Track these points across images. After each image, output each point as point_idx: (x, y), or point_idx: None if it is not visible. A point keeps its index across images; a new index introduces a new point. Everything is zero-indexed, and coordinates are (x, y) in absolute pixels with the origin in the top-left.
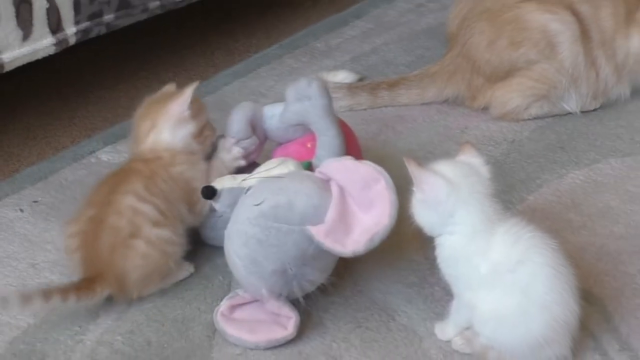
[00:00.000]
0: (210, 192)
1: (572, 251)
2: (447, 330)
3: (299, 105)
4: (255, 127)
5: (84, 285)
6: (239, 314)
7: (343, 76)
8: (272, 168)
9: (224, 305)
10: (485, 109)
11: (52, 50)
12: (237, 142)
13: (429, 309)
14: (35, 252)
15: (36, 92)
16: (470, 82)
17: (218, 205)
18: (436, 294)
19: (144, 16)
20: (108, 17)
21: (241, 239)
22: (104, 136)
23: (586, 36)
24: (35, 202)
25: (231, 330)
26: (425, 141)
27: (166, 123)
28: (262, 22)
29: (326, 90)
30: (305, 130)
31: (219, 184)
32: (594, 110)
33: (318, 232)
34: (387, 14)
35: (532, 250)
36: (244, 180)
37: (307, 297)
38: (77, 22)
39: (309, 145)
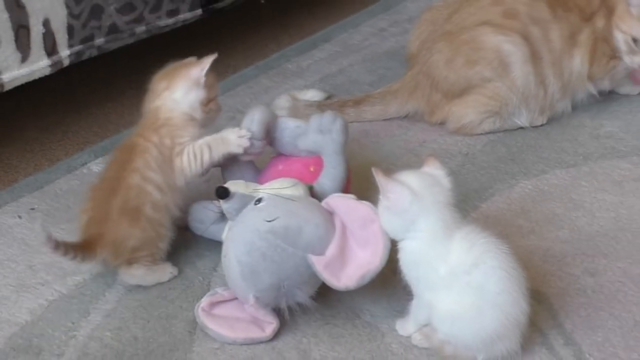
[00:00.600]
0: (224, 193)
1: (522, 254)
2: (407, 326)
3: (319, 137)
4: (267, 132)
5: (87, 246)
6: (218, 310)
7: (312, 94)
8: (285, 188)
9: (204, 301)
10: (442, 123)
11: (47, 71)
12: (250, 139)
13: (391, 307)
14: (32, 255)
15: (33, 109)
16: (429, 98)
17: (227, 205)
18: (397, 293)
19: (131, 40)
20: (99, 40)
21: (246, 247)
22: (94, 149)
23: (536, 57)
24: (32, 209)
25: (212, 325)
26: (387, 154)
27: (182, 84)
28: (238, 45)
29: (346, 129)
30: (310, 152)
31: (233, 187)
32: (542, 125)
33: (318, 263)
34: (353, 38)
35: (486, 254)
36: (255, 190)
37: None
38: (70, 46)
39: (311, 169)
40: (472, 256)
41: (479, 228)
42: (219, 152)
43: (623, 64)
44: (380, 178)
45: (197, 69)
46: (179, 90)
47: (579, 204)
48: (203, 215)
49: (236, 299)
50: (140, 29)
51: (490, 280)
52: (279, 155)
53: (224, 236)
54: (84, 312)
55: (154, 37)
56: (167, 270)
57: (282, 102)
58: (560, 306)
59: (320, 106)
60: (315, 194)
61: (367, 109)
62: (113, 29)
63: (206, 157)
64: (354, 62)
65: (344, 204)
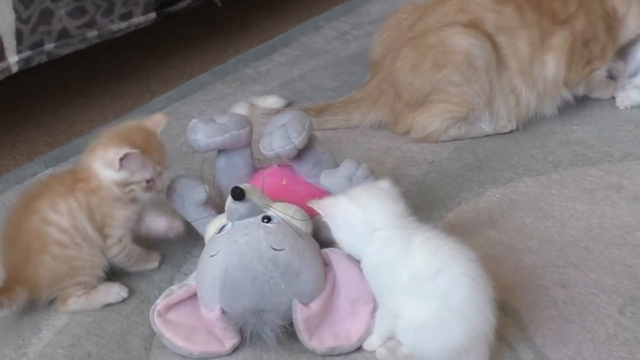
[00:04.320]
0: (240, 195)
1: (490, 265)
2: (372, 341)
3: (346, 184)
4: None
5: (7, 288)
6: (174, 314)
7: (272, 101)
8: (297, 219)
9: (160, 303)
10: (406, 133)
11: None
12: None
13: None
14: None
15: None
16: (393, 107)
17: (235, 206)
18: None
19: (82, 45)
20: (49, 46)
21: (242, 262)
22: (45, 159)
23: (504, 65)
24: None
25: (168, 333)
26: None
27: (99, 158)
28: (195, 49)
29: None
30: (323, 187)
31: (249, 192)
32: (510, 132)
33: (301, 312)
34: (314, 42)
35: (451, 260)
36: (268, 205)
37: None
38: (19, 52)
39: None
40: (436, 261)
41: (444, 233)
42: (136, 267)
43: (602, 70)
44: (313, 204)
45: (112, 151)
46: (97, 162)
47: (549, 213)
48: (186, 191)
49: (192, 298)
50: (92, 33)
51: (455, 288)
52: (287, 167)
53: (211, 230)
54: (35, 328)
55: (106, 42)
56: (112, 291)
57: (240, 110)
58: (529, 319)
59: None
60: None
61: (329, 118)
62: (63, 34)
63: (132, 262)
64: (316, 67)
65: (349, 270)
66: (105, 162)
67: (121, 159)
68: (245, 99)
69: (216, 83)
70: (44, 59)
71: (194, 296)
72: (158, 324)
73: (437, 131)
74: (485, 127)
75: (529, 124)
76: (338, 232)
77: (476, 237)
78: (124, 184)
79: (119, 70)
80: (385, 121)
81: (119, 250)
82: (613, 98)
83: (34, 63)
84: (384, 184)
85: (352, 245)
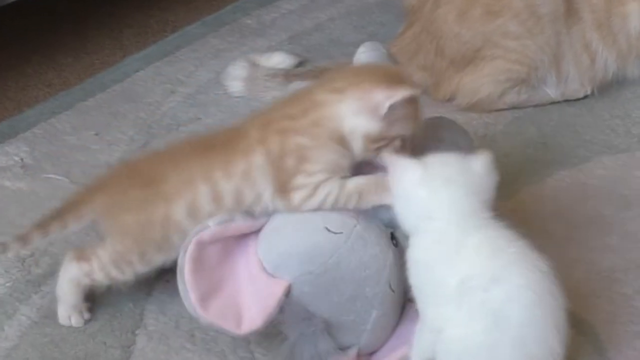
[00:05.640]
0: None
1: (557, 269)
2: None
3: None
4: None
5: (73, 207)
6: (209, 253)
7: (278, 60)
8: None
9: (212, 229)
10: (450, 99)
11: None
12: None
13: None
14: None
15: None
16: (434, 66)
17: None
18: None
19: None
20: None
21: (355, 273)
22: None
23: (576, 16)
24: None
25: (190, 276)
26: None
27: (351, 101)
28: None
29: None
30: None
31: None
32: (584, 97)
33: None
34: None
35: (512, 267)
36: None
37: None
38: None
39: None
40: (492, 267)
41: (514, 234)
42: (367, 203)
43: None
44: (388, 157)
45: (383, 95)
46: (346, 106)
47: (632, 202)
48: None
49: (236, 240)
50: None
51: (512, 303)
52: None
53: None
54: None
55: None
56: (66, 311)
57: (238, 71)
58: (607, 337)
59: (289, 76)
60: None
61: None
62: None
63: (350, 206)
64: (335, 16)
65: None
66: (366, 106)
67: (391, 105)
68: (244, 57)
69: (208, 36)
70: None
71: (238, 238)
72: (190, 254)
73: (491, 97)
74: (552, 91)
75: (607, 88)
76: (397, 202)
77: (539, 232)
78: (377, 139)
79: (83, 22)
80: (425, 84)
81: (330, 199)
82: None
83: None
84: (478, 165)
85: (407, 221)
